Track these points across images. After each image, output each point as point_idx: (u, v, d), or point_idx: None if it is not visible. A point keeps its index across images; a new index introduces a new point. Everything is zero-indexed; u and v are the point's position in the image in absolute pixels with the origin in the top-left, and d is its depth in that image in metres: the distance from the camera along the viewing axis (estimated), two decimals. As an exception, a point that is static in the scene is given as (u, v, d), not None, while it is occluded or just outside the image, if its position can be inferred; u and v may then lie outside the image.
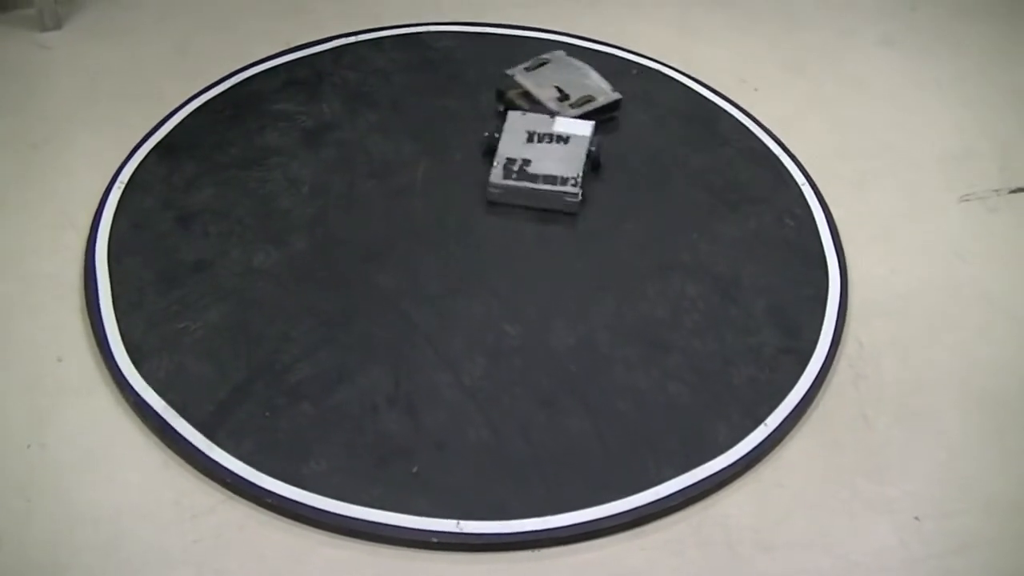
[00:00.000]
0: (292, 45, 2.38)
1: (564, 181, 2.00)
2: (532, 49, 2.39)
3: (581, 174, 2.02)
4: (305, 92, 2.26)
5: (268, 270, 1.87)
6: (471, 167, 2.09)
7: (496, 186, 2.01)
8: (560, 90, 2.21)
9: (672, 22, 2.58)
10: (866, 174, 2.20)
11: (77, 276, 1.87)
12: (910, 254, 2.04)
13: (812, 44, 2.54)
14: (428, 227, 1.98)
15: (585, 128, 2.10)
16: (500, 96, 2.22)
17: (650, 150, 2.18)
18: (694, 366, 1.78)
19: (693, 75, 2.38)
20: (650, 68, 2.40)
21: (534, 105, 2.18)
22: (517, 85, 2.23)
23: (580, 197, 2.01)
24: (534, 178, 2.01)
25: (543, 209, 2.02)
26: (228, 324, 1.79)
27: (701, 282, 1.92)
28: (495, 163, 2.03)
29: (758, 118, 2.28)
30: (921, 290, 1.97)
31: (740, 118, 2.28)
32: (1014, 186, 2.18)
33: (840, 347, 1.84)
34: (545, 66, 2.28)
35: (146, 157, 2.09)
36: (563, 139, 2.07)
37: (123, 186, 2.02)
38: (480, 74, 2.33)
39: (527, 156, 2.04)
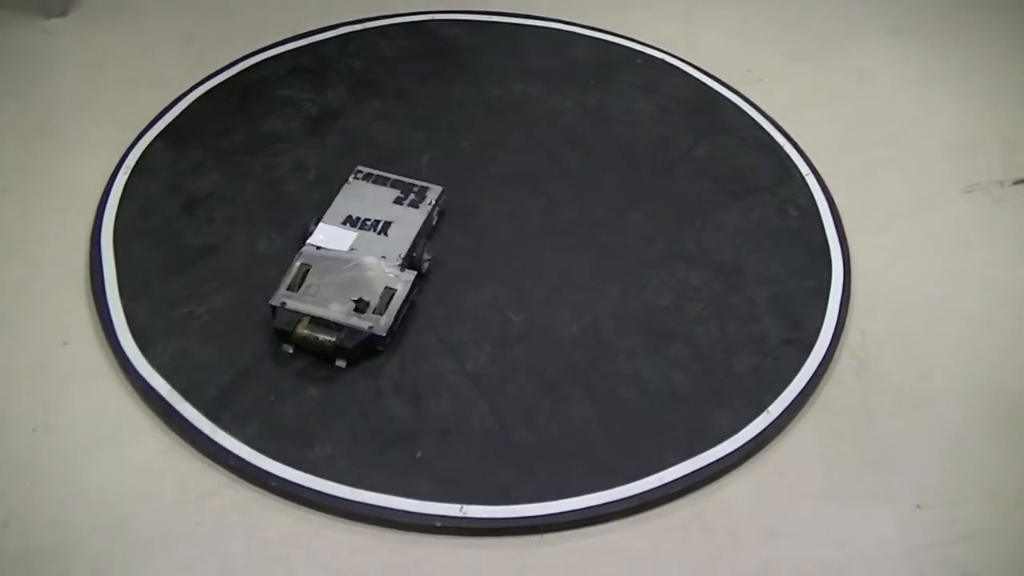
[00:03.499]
0: (298, 32, 2.38)
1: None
2: (538, 37, 2.40)
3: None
4: (311, 79, 2.26)
5: (274, 255, 1.87)
6: (476, 157, 2.09)
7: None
8: (353, 299, 1.73)
9: (676, 10, 2.57)
10: (870, 164, 2.20)
11: (83, 261, 1.87)
12: (914, 244, 2.04)
13: (818, 34, 2.54)
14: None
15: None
16: (286, 338, 1.72)
17: (653, 139, 2.18)
18: (697, 354, 1.79)
19: (697, 64, 2.39)
20: (653, 57, 2.40)
21: (324, 332, 1.70)
22: (296, 315, 1.71)
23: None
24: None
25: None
26: (233, 309, 1.80)
27: (704, 271, 1.92)
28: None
29: (762, 108, 2.29)
30: (925, 280, 1.97)
31: (744, 107, 2.28)
32: (1019, 177, 2.19)
33: (843, 336, 1.85)
34: (309, 273, 1.77)
35: (152, 143, 2.09)
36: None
37: (129, 171, 2.02)
38: (487, 63, 2.33)
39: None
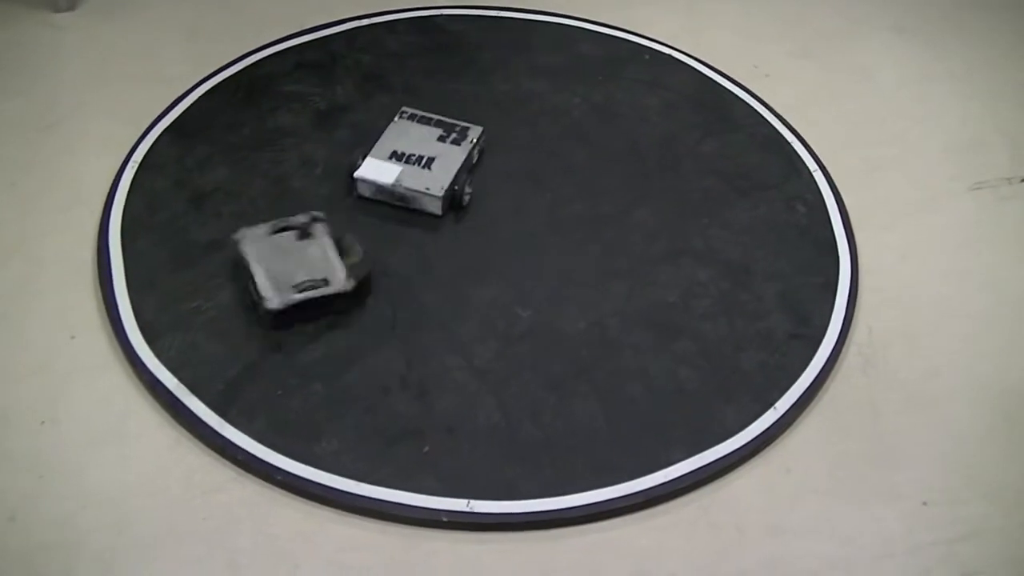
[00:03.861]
0: (305, 27, 2.38)
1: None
2: (545, 33, 2.40)
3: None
4: (318, 74, 2.26)
5: (280, 251, 1.88)
6: (484, 150, 2.09)
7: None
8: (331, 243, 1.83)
9: (684, 7, 2.57)
10: (876, 162, 2.20)
11: (90, 256, 1.88)
12: (921, 242, 2.04)
13: (824, 31, 2.54)
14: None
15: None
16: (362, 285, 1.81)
17: (661, 135, 2.18)
18: (704, 350, 1.79)
19: (705, 60, 2.38)
20: (662, 53, 2.40)
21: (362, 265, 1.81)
22: (358, 270, 1.81)
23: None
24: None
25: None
26: (240, 304, 1.80)
27: (712, 268, 1.92)
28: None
29: (770, 104, 2.28)
30: (931, 278, 1.97)
31: (752, 104, 2.28)
32: (1025, 175, 2.19)
33: (850, 333, 1.85)
34: (275, 280, 1.77)
35: (159, 138, 2.09)
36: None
37: (136, 166, 2.03)
38: (494, 58, 2.33)
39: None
